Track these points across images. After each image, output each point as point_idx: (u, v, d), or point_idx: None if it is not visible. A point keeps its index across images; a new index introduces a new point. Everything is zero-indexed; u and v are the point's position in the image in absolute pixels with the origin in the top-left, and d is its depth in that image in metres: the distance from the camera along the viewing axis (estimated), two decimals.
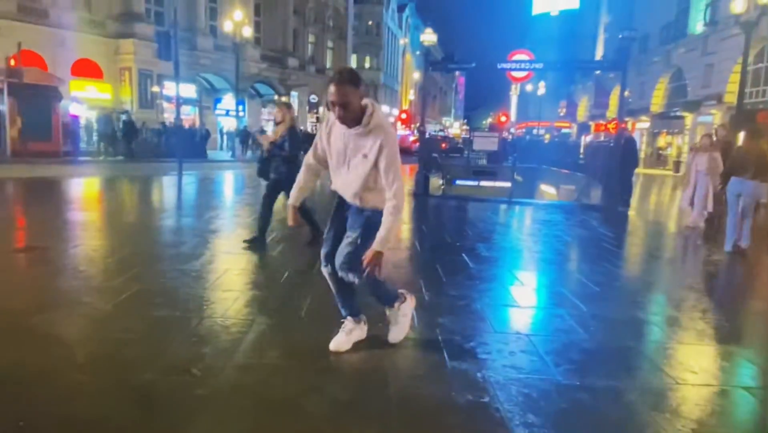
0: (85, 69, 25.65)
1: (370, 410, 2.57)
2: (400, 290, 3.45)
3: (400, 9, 60.75)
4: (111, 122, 23.31)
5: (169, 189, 12.74)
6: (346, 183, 3.05)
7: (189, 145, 23.61)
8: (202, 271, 5.02)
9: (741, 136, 18.20)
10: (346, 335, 3.26)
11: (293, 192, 3.30)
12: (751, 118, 18.65)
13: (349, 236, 3.08)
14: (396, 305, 3.36)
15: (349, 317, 3.31)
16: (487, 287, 4.92)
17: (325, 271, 3.23)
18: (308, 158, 3.24)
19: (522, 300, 4.64)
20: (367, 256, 2.90)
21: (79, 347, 3.18)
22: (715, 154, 8.99)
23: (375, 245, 2.90)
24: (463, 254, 6.13)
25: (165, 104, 27.95)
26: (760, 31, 18.66)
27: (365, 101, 2.87)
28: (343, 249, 3.08)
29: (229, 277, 4.85)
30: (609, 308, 4.46)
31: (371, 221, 2.99)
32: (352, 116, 2.85)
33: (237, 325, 3.60)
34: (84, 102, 24.89)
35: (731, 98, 21.82)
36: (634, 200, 10.99)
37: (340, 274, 3.12)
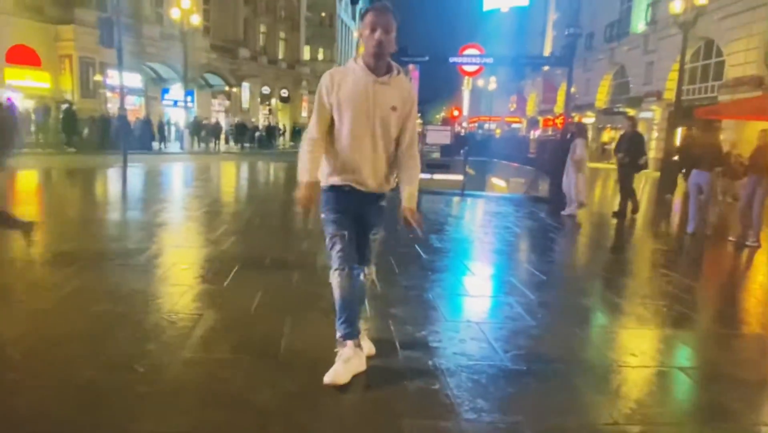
0: (22, 56, 24.25)
1: (320, 402, 2.56)
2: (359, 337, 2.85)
3: (354, 1, 60.40)
4: (49, 112, 22.24)
5: (113, 182, 12.26)
6: (371, 153, 2.63)
7: (135, 137, 22.87)
8: (147, 265, 4.86)
9: (679, 132, 19.12)
10: (344, 365, 2.69)
11: (309, 167, 2.64)
12: (688, 114, 19.59)
13: (377, 233, 2.84)
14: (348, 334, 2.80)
15: (348, 341, 2.75)
16: (438, 277, 4.98)
17: (340, 276, 2.70)
18: (312, 133, 2.67)
19: (472, 289, 4.72)
20: (411, 217, 2.67)
21: (16, 345, 3.02)
22: (578, 141, 9.44)
23: (410, 203, 2.70)
24: (416, 246, 6.17)
25: (108, 94, 26.83)
26: (697, 31, 19.55)
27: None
28: (371, 246, 2.84)
29: (176, 271, 4.72)
30: (555, 296, 4.61)
31: (384, 210, 2.83)
32: (388, 54, 2.56)
33: (184, 320, 3.50)
34: (20, 91, 23.58)
35: (670, 95, 22.84)
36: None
37: (366, 270, 2.84)
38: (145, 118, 25.45)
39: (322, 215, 2.77)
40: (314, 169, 2.65)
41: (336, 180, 2.70)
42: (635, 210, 9.60)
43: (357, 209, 2.75)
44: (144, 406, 2.44)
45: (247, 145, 31.67)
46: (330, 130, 2.67)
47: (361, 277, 2.80)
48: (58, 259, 4.95)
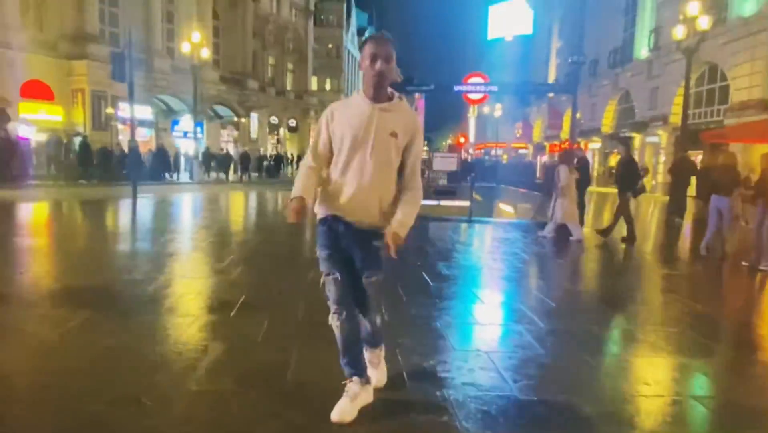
0: (36, 91, 24.85)
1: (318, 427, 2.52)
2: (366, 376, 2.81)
3: (360, 32, 61.57)
4: (61, 145, 22.64)
5: (123, 213, 12.37)
6: (369, 185, 2.52)
7: (146, 168, 23.21)
8: (155, 296, 4.86)
9: (677, 154, 19.07)
10: (351, 402, 2.65)
11: (302, 185, 2.56)
12: (694, 138, 19.60)
13: (371, 277, 2.65)
14: (377, 351, 2.93)
15: (355, 378, 2.71)
16: (446, 305, 4.94)
17: (338, 321, 2.66)
18: (308, 160, 2.64)
19: (481, 317, 4.67)
20: (392, 240, 2.49)
21: (21, 379, 3.01)
22: (561, 167, 9.73)
23: (398, 229, 2.51)
24: (423, 273, 6.14)
25: (120, 126, 27.32)
26: (701, 56, 19.71)
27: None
28: (369, 293, 2.68)
29: (184, 302, 4.71)
30: (565, 324, 4.54)
31: (380, 251, 2.63)
32: (388, 83, 2.55)
33: (191, 351, 3.48)
34: (33, 125, 24.06)
35: (676, 119, 22.92)
36: (587, 218, 11.30)
37: (366, 320, 2.75)
38: (161, 149, 25.87)
39: (317, 250, 2.71)
40: (305, 187, 2.55)
41: (327, 211, 2.64)
42: (631, 238, 9.55)
43: (349, 247, 2.63)
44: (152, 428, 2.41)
45: (255, 174, 31.97)
46: (328, 163, 2.64)
47: (363, 326, 2.75)
48: (67, 290, 4.96)
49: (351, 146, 2.53)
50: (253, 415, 2.66)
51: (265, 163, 33.87)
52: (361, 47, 2.63)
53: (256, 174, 32.22)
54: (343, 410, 2.62)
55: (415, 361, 3.45)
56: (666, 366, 3.65)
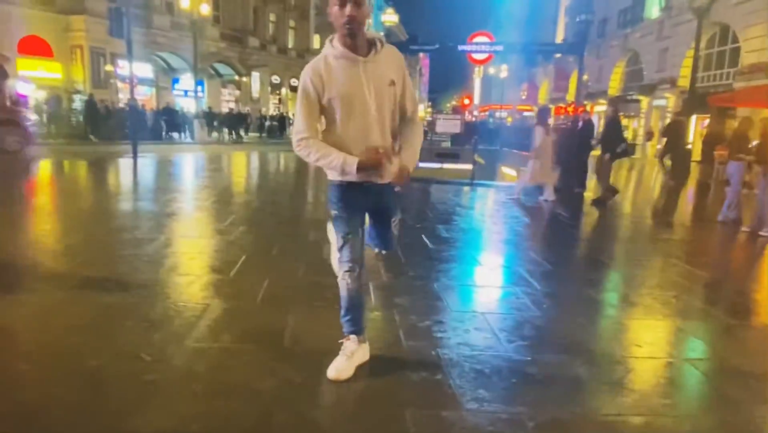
0: (34, 47, 24.44)
1: (324, 391, 2.58)
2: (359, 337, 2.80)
3: None
4: (61, 102, 22.45)
5: (125, 172, 12.35)
6: (371, 144, 2.44)
7: (148, 127, 23.06)
8: (156, 255, 4.90)
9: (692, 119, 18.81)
10: (348, 360, 2.69)
11: (335, 156, 2.44)
12: (702, 102, 19.30)
13: (395, 220, 2.79)
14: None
15: (353, 336, 2.75)
16: (445, 267, 4.97)
17: (350, 278, 2.64)
18: (302, 133, 2.46)
19: (478, 279, 4.72)
20: (401, 176, 2.48)
21: (25, 336, 3.07)
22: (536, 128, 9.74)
23: (408, 163, 2.51)
24: (423, 236, 6.17)
25: (119, 84, 26.98)
26: (712, 17, 19.21)
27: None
28: (393, 233, 2.84)
29: (184, 261, 4.76)
30: (562, 286, 4.59)
31: (397, 194, 2.75)
32: (362, 31, 2.36)
33: (191, 309, 3.53)
34: (32, 82, 23.78)
35: (684, 82, 22.51)
36: (589, 182, 11.25)
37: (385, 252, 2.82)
38: (168, 108, 25.66)
39: (333, 212, 2.65)
40: (337, 151, 2.43)
41: (352, 177, 2.49)
42: (606, 198, 9.64)
43: (374, 203, 2.65)
44: (150, 394, 2.48)
45: (255, 134, 31.71)
46: (321, 125, 2.53)
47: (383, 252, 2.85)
48: (69, 249, 5.01)
49: (357, 113, 2.42)
50: (250, 371, 2.72)
51: (267, 123, 33.55)
52: None
53: (257, 134, 31.95)
54: (340, 368, 2.67)
55: (411, 321, 3.50)
56: (659, 328, 3.70)
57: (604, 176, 9.84)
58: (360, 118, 2.44)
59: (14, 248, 4.99)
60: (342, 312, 2.78)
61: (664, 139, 13.57)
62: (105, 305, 3.55)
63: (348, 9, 2.29)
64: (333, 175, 2.59)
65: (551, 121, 10.34)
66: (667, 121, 26.08)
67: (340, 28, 2.36)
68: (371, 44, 2.45)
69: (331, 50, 2.44)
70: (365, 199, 2.61)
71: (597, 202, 9.55)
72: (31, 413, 2.31)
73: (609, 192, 9.77)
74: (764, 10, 19.57)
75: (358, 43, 2.40)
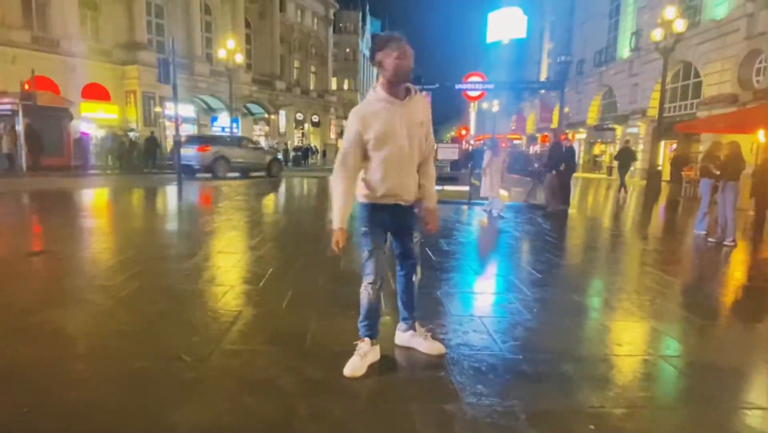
0: (95, 92, 25.06)
1: (340, 387, 2.54)
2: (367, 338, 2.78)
3: (373, 38, 60.83)
4: (117, 139, 22.90)
5: (171, 198, 12.47)
6: (408, 171, 2.60)
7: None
8: (195, 269, 4.91)
9: (663, 145, 18.68)
10: (361, 359, 2.70)
11: (342, 214, 2.56)
12: (670, 129, 19.19)
13: (416, 238, 2.79)
14: (419, 326, 2.97)
15: (367, 339, 2.75)
16: (445, 276, 4.92)
17: (372, 290, 2.68)
18: (348, 164, 2.53)
19: (476, 287, 4.66)
20: (432, 218, 2.70)
21: (82, 339, 3.08)
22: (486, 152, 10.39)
23: (432, 205, 2.72)
24: (426, 248, 6.13)
25: (166, 123, 27.45)
26: (676, 55, 19.19)
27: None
28: (415, 251, 2.81)
29: (220, 273, 4.76)
30: (550, 292, 4.51)
31: (416, 214, 2.75)
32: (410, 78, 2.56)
33: (225, 316, 3.52)
34: (93, 122, 24.32)
35: (653, 112, 22.39)
36: (573, 200, 11.16)
37: (413, 274, 2.83)
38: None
39: (363, 229, 2.68)
40: (343, 217, 2.56)
41: (379, 200, 2.62)
42: (557, 211, 9.98)
43: (397, 221, 2.70)
44: (189, 390, 2.46)
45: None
46: (359, 167, 2.61)
47: (413, 279, 2.86)
48: (122, 264, 5.04)
49: (393, 150, 2.52)
50: (275, 369, 2.70)
51: (292, 154, 33.84)
52: (380, 44, 2.51)
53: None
54: (355, 366, 2.67)
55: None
56: (637, 329, 3.62)
57: (554, 192, 10.08)
58: (398, 157, 2.55)
59: (74, 264, 5.03)
60: (360, 317, 2.77)
61: (616, 162, 15.86)
62: (151, 313, 3.55)
63: (407, 63, 2.46)
64: (361, 198, 2.66)
65: (503, 145, 10.95)
66: (640, 147, 26.00)
67: (395, 76, 2.49)
68: (407, 91, 2.59)
69: (374, 95, 2.57)
70: (389, 218, 2.67)
71: (550, 215, 9.69)
72: (83, 407, 2.30)
73: (560, 205, 9.92)
74: (720, 49, 19.53)
75: (400, 90, 2.54)
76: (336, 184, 2.56)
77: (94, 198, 11.81)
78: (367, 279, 2.68)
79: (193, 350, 2.91)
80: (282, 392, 2.47)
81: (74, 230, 7.15)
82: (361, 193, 2.65)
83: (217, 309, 3.66)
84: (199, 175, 18.33)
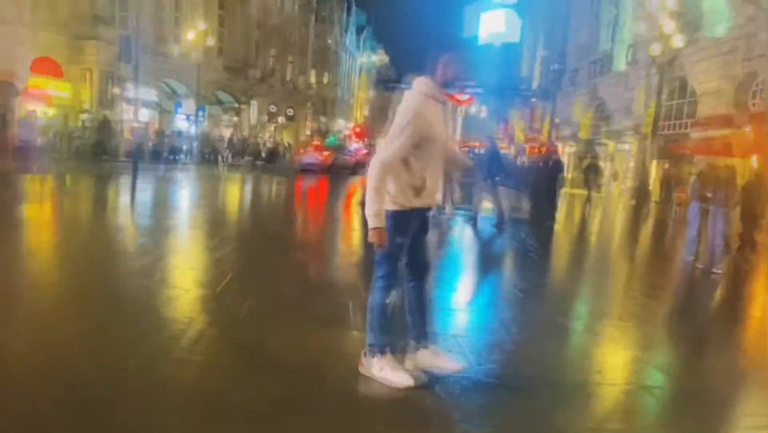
0: (46, 67, 24.32)
1: (302, 406, 2.51)
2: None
3: (359, 31, 60.94)
4: (68, 121, 22.31)
5: (123, 190, 12.18)
6: (441, 172, 2.78)
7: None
8: (148, 269, 4.79)
9: (657, 164, 19.30)
10: (395, 370, 2.73)
11: (377, 212, 2.55)
12: (663, 149, 19.81)
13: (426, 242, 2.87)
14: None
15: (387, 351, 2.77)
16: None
17: (389, 285, 2.77)
18: (393, 161, 2.56)
19: (453, 304, 4.68)
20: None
21: (17, 344, 2.96)
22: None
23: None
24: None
25: (125, 106, 26.84)
26: (673, 71, 19.83)
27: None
28: (427, 252, 2.92)
29: (174, 275, 4.66)
30: (531, 312, 4.56)
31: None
32: None
33: (177, 323, 3.44)
34: (42, 101, 23.60)
35: (647, 129, 23.04)
36: (559, 215, 11.36)
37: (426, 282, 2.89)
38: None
39: (397, 239, 2.64)
40: (380, 214, 2.55)
41: (417, 203, 2.66)
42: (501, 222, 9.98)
43: (421, 226, 2.78)
44: (133, 404, 2.38)
45: (250, 158, 31.51)
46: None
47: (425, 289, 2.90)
48: (63, 261, 4.89)
49: (437, 148, 2.64)
50: (229, 383, 2.64)
51: (263, 151, 33.41)
52: (454, 49, 2.72)
53: (251, 159, 31.74)
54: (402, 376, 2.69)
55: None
56: (618, 356, 3.69)
57: (494, 198, 10.17)
58: (438, 154, 2.70)
59: (12, 260, 4.86)
60: (372, 325, 2.79)
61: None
62: (96, 318, 3.44)
63: (466, 72, 2.73)
64: (394, 205, 2.62)
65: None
66: (630, 164, 26.72)
67: (450, 79, 2.64)
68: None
69: (426, 93, 2.62)
70: (419, 222, 2.75)
71: (495, 226, 9.77)
72: (21, 415, 2.20)
73: (501, 216, 9.98)
74: (719, 69, 20.26)
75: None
76: (382, 184, 2.55)
77: (33, 184, 11.44)
78: (381, 273, 2.71)
79: (138, 360, 2.83)
80: (236, 407, 2.42)
81: (6, 220, 6.91)
82: (395, 198, 2.62)
83: (169, 316, 3.57)
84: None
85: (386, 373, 2.69)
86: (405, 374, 2.70)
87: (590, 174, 18.90)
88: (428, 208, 2.81)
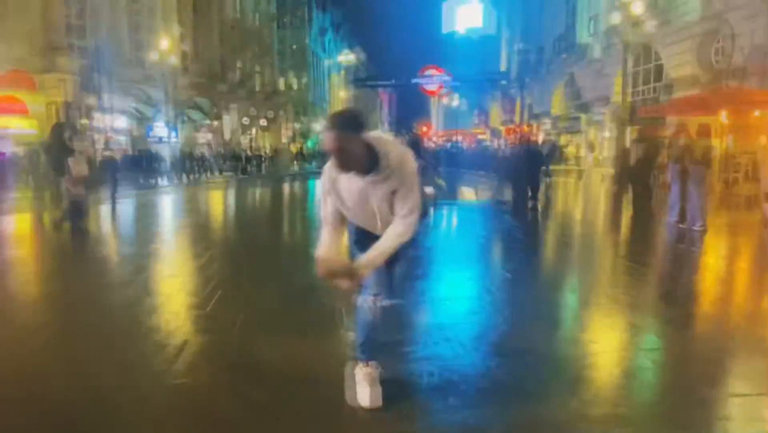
0: (9, 106, 23.86)
1: (292, 412, 2.50)
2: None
3: (322, 32, 60.69)
4: (39, 157, 21.90)
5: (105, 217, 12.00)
6: (371, 222, 2.48)
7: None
8: (139, 291, 4.74)
9: (628, 133, 19.53)
10: (372, 387, 2.54)
11: (326, 249, 2.48)
12: (634, 114, 20.05)
13: (398, 266, 2.66)
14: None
15: (371, 362, 2.61)
16: (411, 283, 4.94)
17: (376, 300, 2.62)
18: (325, 218, 2.53)
19: (444, 291, 4.71)
20: (350, 275, 2.39)
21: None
22: None
23: (361, 265, 2.38)
24: None
25: (96, 136, 26.41)
26: (636, 39, 20.07)
27: (374, 141, 2.28)
28: (395, 276, 2.68)
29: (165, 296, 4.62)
30: (521, 292, 4.61)
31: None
32: (357, 164, 2.26)
33: (170, 338, 3.41)
34: (9, 139, 23.16)
35: (617, 98, 23.33)
36: (541, 194, 11.46)
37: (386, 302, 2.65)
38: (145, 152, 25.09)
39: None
40: (326, 247, 2.47)
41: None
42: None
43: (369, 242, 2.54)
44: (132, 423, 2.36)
45: (230, 173, 31.25)
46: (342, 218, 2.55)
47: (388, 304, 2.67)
48: (46, 298, 4.81)
49: (355, 205, 2.42)
50: (217, 395, 2.65)
51: (240, 164, 33.14)
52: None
53: (231, 173, 31.47)
54: (372, 396, 2.50)
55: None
56: (612, 325, 3.74)
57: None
58: (360, 216, 2.50)
59: None
60: (360, 339, 2.66)
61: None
62: (84, 342, 3.39)
63: (335, 160, 2.29)
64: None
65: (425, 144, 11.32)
66: (606, 134, 27.05)
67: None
68: (371, 167, 2.31)
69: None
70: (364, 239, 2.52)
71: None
72: None
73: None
74: (680, 30, 20.56)
75: (350, 171, 2.36)
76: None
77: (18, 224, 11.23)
78: (369, 291, 2.55)
79: (134, 379, 2.80)
80: (229, 420, 2.41)
81: None
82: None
83: (162, 333, 3.53)
84: None
85: (361, 384, 2.55)
86: (374, 393, 2.50)
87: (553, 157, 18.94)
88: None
